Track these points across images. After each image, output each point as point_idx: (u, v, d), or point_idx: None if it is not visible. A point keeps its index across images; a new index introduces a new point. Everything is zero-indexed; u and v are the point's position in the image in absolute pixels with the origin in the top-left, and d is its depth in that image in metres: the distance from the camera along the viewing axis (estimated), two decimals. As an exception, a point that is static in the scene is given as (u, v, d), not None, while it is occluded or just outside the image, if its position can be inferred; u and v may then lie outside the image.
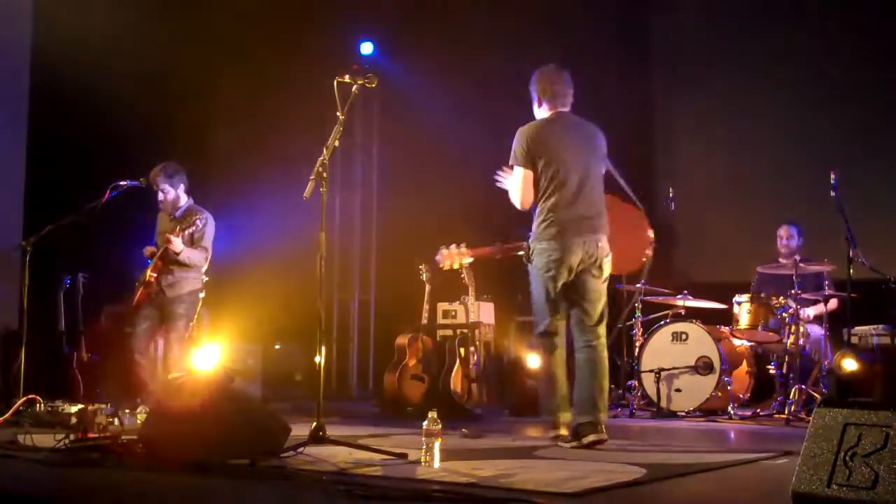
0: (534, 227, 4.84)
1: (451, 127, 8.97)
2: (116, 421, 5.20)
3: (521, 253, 4.89)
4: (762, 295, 7.05)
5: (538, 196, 4.83)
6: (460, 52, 8.72)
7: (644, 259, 5.75)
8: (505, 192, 4.98)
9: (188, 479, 3.51)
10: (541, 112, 5.01)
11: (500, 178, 5.05)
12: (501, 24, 9.22)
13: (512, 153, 4.87)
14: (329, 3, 9.26)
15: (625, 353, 7.44)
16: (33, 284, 6.17)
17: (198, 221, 6.34)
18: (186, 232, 6.36)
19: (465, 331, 7.23)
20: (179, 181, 6.56)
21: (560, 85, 5.00)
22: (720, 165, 9.02)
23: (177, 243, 6.28)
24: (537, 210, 4.84)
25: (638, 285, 7.29)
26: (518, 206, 4.87)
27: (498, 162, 8.53)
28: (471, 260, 5.63)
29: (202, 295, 6.63)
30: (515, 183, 4.86)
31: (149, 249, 6.54)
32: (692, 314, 7.29)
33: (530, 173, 4.82)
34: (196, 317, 7.07)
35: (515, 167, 4.85)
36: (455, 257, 5.51)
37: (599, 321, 4.86)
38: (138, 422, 5.27)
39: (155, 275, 6.39)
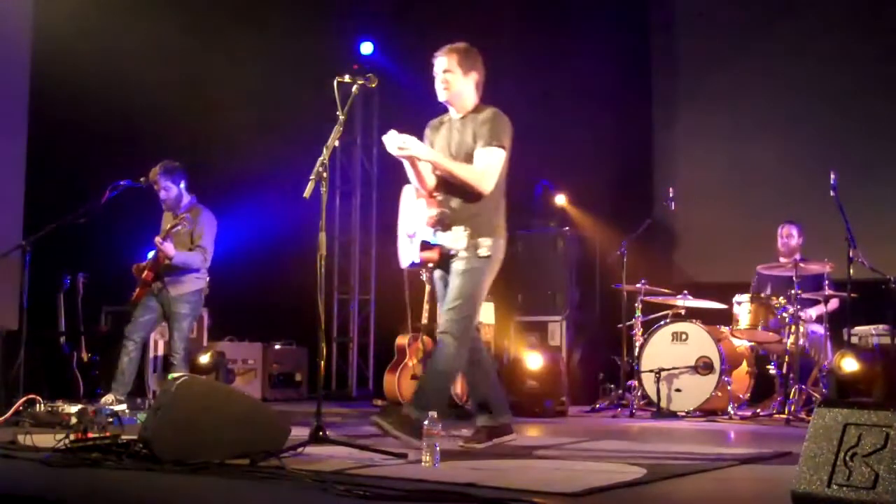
0: (489, 218, 4.56)
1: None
2: (117, 421, 5.20)
3: (456, 246, 4.46)
4: (762, 295, 7.05)
5: (497, 188, 4.59)
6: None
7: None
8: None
9: (188, 479, 3.51)
10: (474, 94, 4.68)
11: (407, 147, 4.48)
12: (501, 24, 9.23)
13: (500, 133, 4.53)
14: (329, 3, 9.26)
15: (625, 353, 7.44)
16: (33, 284, 6.16)
17: (185, 220, 6.34)
18: (175, 230, 6.36)
19: (465, 331, 7.21)
20: (179, 178, 6.56)
21: None
22: (720, 165, 9.02)
23: (168, 248, 6.28)
24: (494, 202, 4.59)
25: (638, 285, 7.30)
26: (486, 190, 4.51)
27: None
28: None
29: (205, 294, 6.64)
30: (497, 166, 4.53)
31: (137, 266, 6.54)
32: (692, 314, 7.29)
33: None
34: (197, 316, 7.09)
35: (499, 149, 4.52)
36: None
37: None
38: (138, 422, 5.27)
39: (152, 274, 6.41)
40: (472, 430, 4.70)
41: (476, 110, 4.64)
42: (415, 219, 4.62)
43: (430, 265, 4.66)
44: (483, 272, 4.53)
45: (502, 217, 4.65)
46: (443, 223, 4.53)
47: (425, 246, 4.58)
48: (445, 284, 4.63)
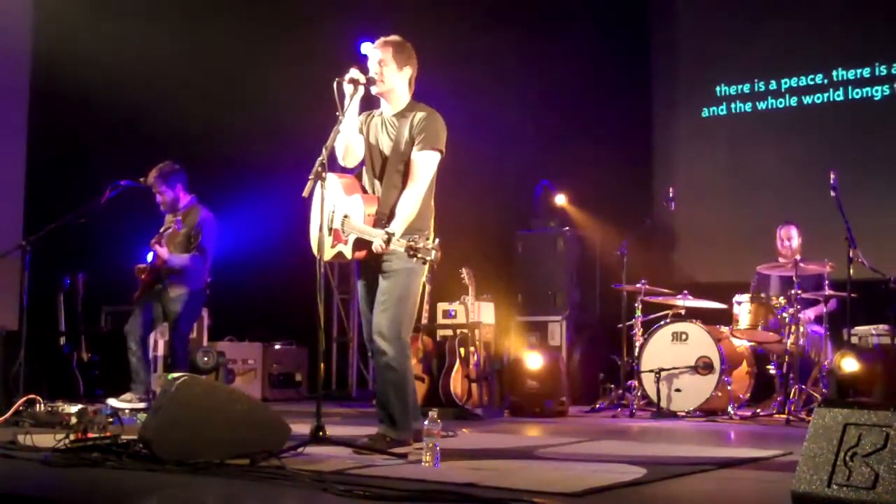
0: (424, 218, 4.45)
1: (449, 125, 8.96)
2: (117, 421, 5.20)
3: (410, 245, 3.98)
4: (762, 295, 7.05)
5: (429, 190, 4.48)
6: (460, 51, 8.72)
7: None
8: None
9: (188, 479, 3.50)
10: (407, 90, 4.58)
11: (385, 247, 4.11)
12: (501, 23, 9.22)
13: (438, 136, 4.45)
14: (329, 3, 9.26)
15: (625, 353, 7.44)
16: (33, 284, 6.17)
17: (175, 222, 6.36)
18: (167, 232, 6.37)
19: (465, 331, 7.23)
20: (176, 181, 6.55)
21: None
22: (720, 165, 9.03)
23: (162, 251, 6.30)
24: (427, 204, 4.46)
25: (638, 285, 7.30)
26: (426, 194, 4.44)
27: (496, 160, 8.55)
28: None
29: (206, 294, 6.64)
30: (433, 169, 4.44)
31: (138, 268, 6.59)
32: (692, 314, 7.29)
33: None
34: (197, 317, 7.10)
35: (437, 153, 4.43)
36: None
37: None
38: (138, 422, 5.27)
39: (151, 276, 6.45)
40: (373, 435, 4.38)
41: (411, 108, 4.52)
42: (346, 212, 4.35)
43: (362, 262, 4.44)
44: (416, 272, 4.39)
45: (433, 218, 4.52)
46: (381, 224, 4.31)
47: (360, 243, 4.29)
48: (368, 288, 4.46)
